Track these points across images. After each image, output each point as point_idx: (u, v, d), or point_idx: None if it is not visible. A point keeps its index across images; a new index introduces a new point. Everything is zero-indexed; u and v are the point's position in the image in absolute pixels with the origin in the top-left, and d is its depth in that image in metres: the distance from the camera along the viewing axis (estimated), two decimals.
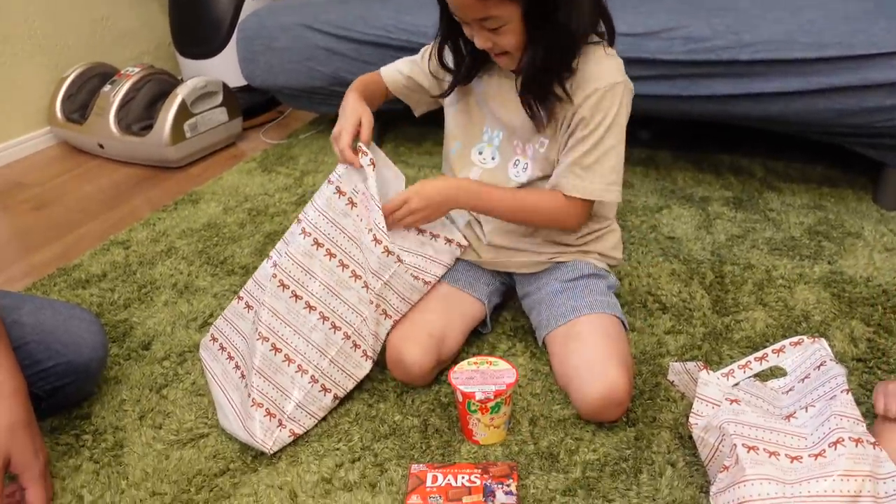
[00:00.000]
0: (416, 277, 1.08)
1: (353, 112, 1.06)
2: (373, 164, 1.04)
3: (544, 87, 0.98)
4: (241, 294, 1.10)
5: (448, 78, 1.11)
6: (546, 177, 1.06)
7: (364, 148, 1.04)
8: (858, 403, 0.99)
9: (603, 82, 0.97)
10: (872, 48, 1.32)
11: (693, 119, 1.59)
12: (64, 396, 1.06)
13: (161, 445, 1.02)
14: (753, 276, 1.32)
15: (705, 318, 1.22)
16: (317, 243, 1.05)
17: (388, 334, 1.09)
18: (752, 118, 1.49)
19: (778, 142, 1.78)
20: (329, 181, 1.07)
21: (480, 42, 0.97)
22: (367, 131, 1.05)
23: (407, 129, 2.03)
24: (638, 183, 1.69)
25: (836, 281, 1.29)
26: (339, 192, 1.06)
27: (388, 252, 1.03)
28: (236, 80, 2.14)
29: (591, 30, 0.98)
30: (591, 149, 0.99)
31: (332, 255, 1.05)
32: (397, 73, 1.17)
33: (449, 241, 1.13)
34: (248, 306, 1.08)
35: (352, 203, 1.06)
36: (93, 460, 1.01)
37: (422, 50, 1.16)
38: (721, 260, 1.37)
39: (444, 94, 1.12)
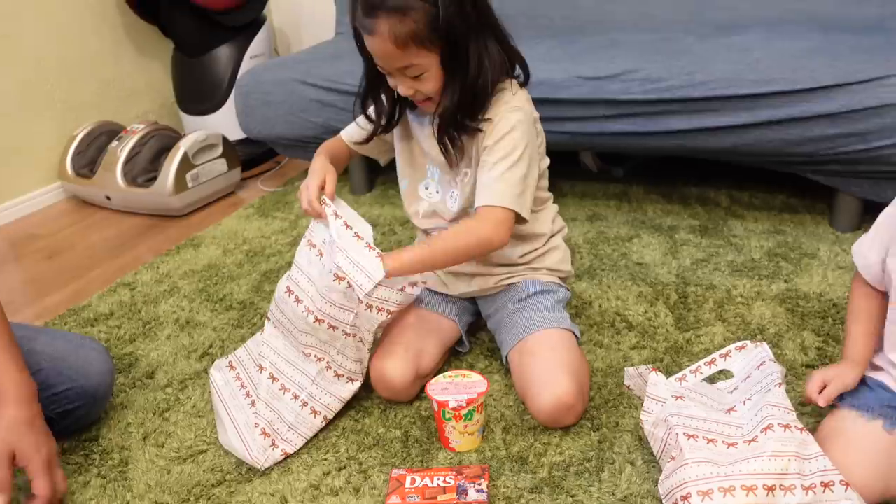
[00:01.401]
0: (380, 310, 1.12)
1: (320, 170, 1.17)
2: (336, 214, 1.12)
3: (457, 129, 1.09)
4: (264, 328, 1.20)
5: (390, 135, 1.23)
6: (471, 202, 1.15)
7: (327, 200, 1.13)
8: (804, 404, 1.09)
9: (500, 116, 1.08)
10: (813, 83, 1.44)
11: (653, 154, 1.71)
12: (74, 419, 1.15)
13: (163, 461, 1.11)
14: (714, 295, 1.42)
15: (668, 333, 1.31)
16: (288, 290, 1.14)
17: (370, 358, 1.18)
18: (708, 150, 1.60)
19: (742, 174, 1.89)
20: (304, 235, 1.18)
21: (403, 90, 1.06)
22: (330, 186, 1.15)
23: (393, 174, 2.15)
24: (611, 215, 1.80)
25: (791, 297, 1.39)
26: (311, 244, 1.16)
27: (351, 287, 1.08)
28: (236, 133, 2.28)
29: (502, 75, 1.09)
30: (494, 165, 1.07)
31: (298, 301, 1.12)
32: (355, 131, 1.28)
33: (413, 284, 1.14)
34: (264, 341, 1.18)
35: (320, 253, 1.15)
36: (100, 476, 1.09)
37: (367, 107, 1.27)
38: (685, 282, 1.47)
39: (366, 141, 1.23)
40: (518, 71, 1.13)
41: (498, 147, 1.08)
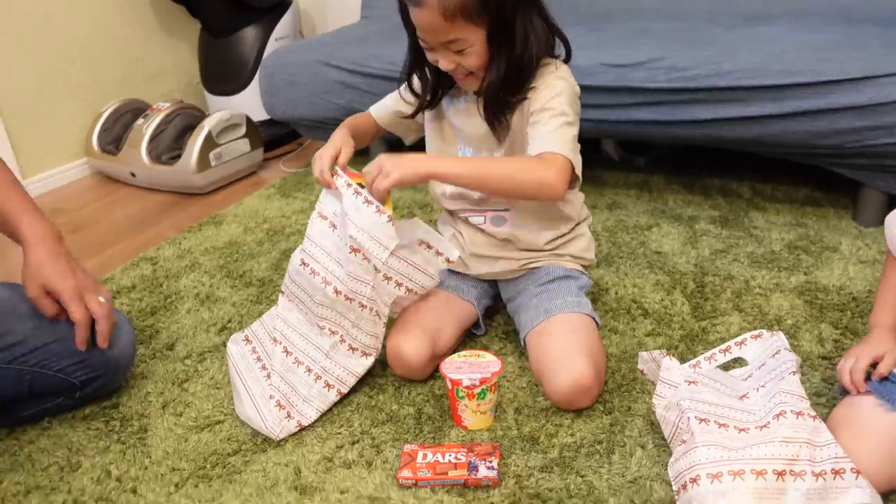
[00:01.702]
0: (399, 285, 1.15)
1: (337, 141, 1.17)
2: (348, 185, 1.12)
3: (503, 104, 1.10)
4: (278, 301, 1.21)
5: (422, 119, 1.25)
6: None
7: (339, 171, 1.14)
8: (819, 394, 1.08)
9: (546, 83, 1.09)
10: (840, 74, 1.43)
11: (677, 143, 1.70)
12: (98, 386, 1.18)
13: (181, 430, 1.14)
14: (732, 285, 1.41)
15: (684, 322, 1.31)
16: (303, 263, 1.15)
17: (386, 333, 1.19)
18: (732, 141, 1.59)
19: (766, 166, 1.87)
20: (315, 208, 1.18)
21: (445, 64, 1.07)
22: (344, 157, 1.15)
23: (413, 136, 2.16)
24: (631, 204, 1.80)
25: (810, 290, 1.38)
26: (321, 216, 1.17)
27: (367, 259, 1.10)
28: (259, 114, 2.30)
29: (546, 53, 1.10)
30: (549, 121, 1.06)
31: (315, 273, 1.14)
32: (384, 108, 1.29)
33: (439, 253, 1.18)
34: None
35: (333, 225, 1.15)
36: (120, 442, 1.12)
37: (403, 83, 1.28)
38: (703, 272, 1.47)
39: (413, 115, 1.23)
40: (560, 50, 1.13)
41: (549, 107, 1.07)
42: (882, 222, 1.58)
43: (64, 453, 1.10)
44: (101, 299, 1.12)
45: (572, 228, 1.25)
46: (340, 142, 1.17)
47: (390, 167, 1.03)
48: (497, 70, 1.06)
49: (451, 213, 1.27)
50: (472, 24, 1.02)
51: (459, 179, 1.06)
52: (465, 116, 1.18)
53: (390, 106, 1.29)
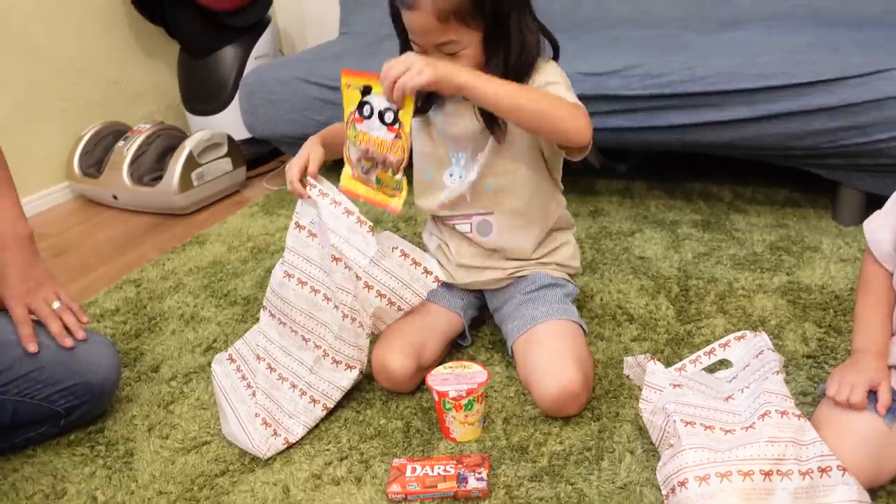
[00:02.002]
0: (381, 296, 1.14)
1: (304, 150, 1.18)
2: (322, 194, 1.14)
3: None
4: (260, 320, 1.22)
5: None
6: (491, 171, 1.16)
7: (311, 181, 1.15)
8: (805, 393, 1.09)
9: (542, 72, 1.10)
10: (813, 76, 1.45)
11: (654, 149, 1.71)
12: (81, 414, 1.16)
13: (167, 452, 1.12)
14: (716, 288, 1.42)
15: (669, 325, 1.32)
16: (287, 274, 1.17)
17: (371, 346, 1.19)
18: (709, 145, 1.61)
19: (746, 170, 1.89)
20: (292, 219, 1.19)
21: None
22: (313, 166, 1.15)
23: None
24: (613, 211, 1.81)
25: (792, 290, 1.39)
26: (298, 226, 1.18)
27: (348, 268, 1.11)
28: (241, 133, 2.29)
29: (539, 53, 1.11)
30: (556, 89, 1.07)
31: (302, 283, 1.16)
32: None
33: (427, 272, 1.19)
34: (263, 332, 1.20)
35: (311, 234, 1.17)
36: (105, 467, 1.11)
37: None
38: (687, 275, 1.48)
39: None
40: (547, 50, 1.14)
41: (553, 81, 1.08)
42: (861, 220, 1.61)
43: (49, 481, 1.09)
44: (56, 304, 1.13)
45: (557, 236, 1.25)
46: (308, 151, 1.18)
47: (423, 65, 0.97)
48: (494, 72, 1.05)
49: (439, 221, 1.27)
50: (466, 27, 1.03)
51: (493, 99, 0.99)
52: (455, 118, 1.17)
53: None
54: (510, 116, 1.04)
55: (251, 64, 2.42)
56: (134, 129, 2.20)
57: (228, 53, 2.42)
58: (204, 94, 2.47)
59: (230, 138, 2.20)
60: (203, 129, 2.21)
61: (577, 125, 1.02)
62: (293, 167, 1.16)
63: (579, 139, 1.04)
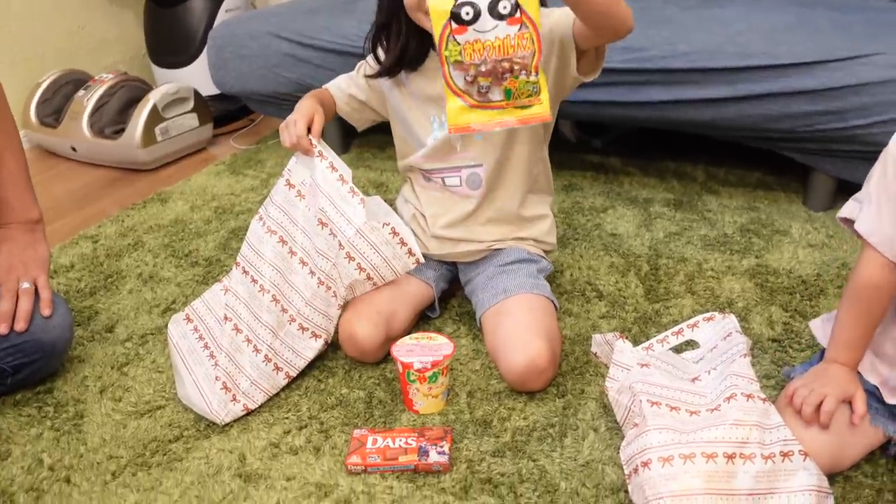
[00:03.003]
0: (360, 269, 1.12)
1: (308, 109, 1.15)
2: (320, 155, 1.12)
3: None
4: (223, 280, 1.18)
5: (378, 97, 1.23)
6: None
7: (314, 141, 1.12)
8: (769, 377, 1.09)
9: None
10: (793, 58, 1.43)
11: (632, 124, 1.69)
12: (31, 372, 1.12)
13: (119, 416, 1.09)
14: (685, 268, 1.41)
15: (637, 304, 1.31)
16: (270, 230, 1.14)
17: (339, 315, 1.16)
18: (687, 123, 1.59)
19: (720, 151, 1.88)
20: (282, 175, 1.16)
21: None
22: (317, 126, 1.14)
23: (370, 136, 2.11)
24: (587, 186, 1.79)
25: (760, 273, 1.39)
26: (289, 184, 1.15)
27: (333, 235, 1.10)
28: (209, 89, 2.21)
29: None
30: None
31: (283, 242, 1.14)
32: (339, 90, 1.26)
33: (411, 254, 1.16)
34: (226, 290, 1.15)
35: (300, 195, 1.14)
36: (53, 429, 1.07)
37: (357, 66, 1.26)
38: (657, 254, 1.47)
39: (380, 75, 1.18)
40: None
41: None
42: (831, 206, 1.61)
43: None
44: (26, 284, 1.10)
45: (537, 204, 1.23)
46: (312, 110, 1.15)
47: None
48: None
49: (421, 179, 1.23)
50: None
51: None
52: (435, 77, 1.12)
53: (344, 89, 1.27)
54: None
55: (221, 16, 2.33)
56: (96, 79, 2.11)
57: (198, 4, 2.32)
58: (171, 45, 2.37)
59: (197, 93, 2.12)
60: (169, 83, 2.13)
61: (628, 10, 0.96)
62: (299, 123, 1.12)
63: (629, 25, 0.99)
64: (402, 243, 1.15)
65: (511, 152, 1.18)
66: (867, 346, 0.90)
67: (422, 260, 1.17)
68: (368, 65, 1.23)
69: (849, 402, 0.88)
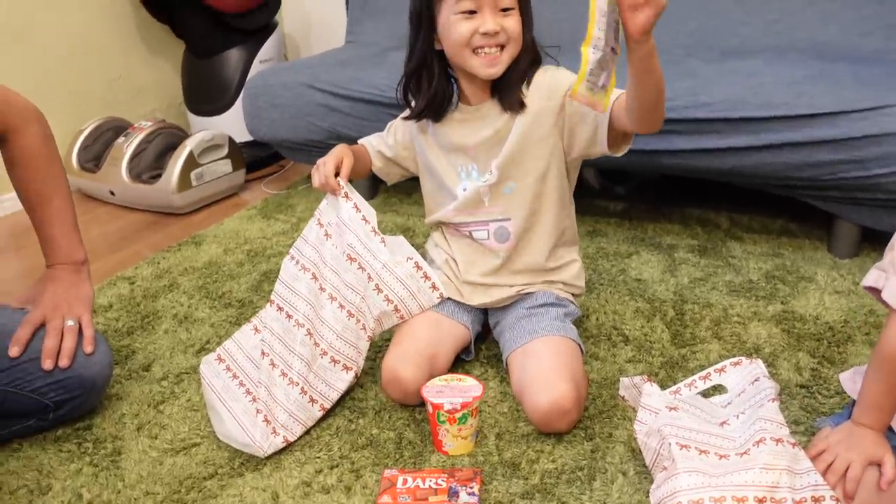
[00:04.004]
0: (388, 301, 1.18)
1: (339, 152, 1.23)
2: (347, 196, 1.19)
3: (521, 78, 1.15)
4: (252, 320, 1.22)
5: (407, 153, 1.31)
6: (509, 172, 1.19)
7: (341, 182, 1.19)
8: (798, 423, 1.09)
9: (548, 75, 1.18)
10: (814, 109, 1.46)
11: (657, 172, 1.72)
12: (71, 408, 1.15)
13: (156, 453, 1.11)
14: (711, 313, 1.43)
15: (664, 349, 1.32)
16: (303, 268, 1.20)
17: (380, 361, 1.20)
18: (711, 171, 1.62)
19: (743, 198, 1.91)
20: (314, 216, 1.23)
21: (492, 25, 1.09)
22: (346, 169, 1.21)
23: (398, 182, 2.17)
24: (611, 232, 1.82)
25: (787, 318, 1.40)
26: (319, 223, 1.22)
27: (362, 268, 1.17)
28: (242, 135, 2.29)
29: None
30: None
31: (315, 279, 1.18)
32: (371, 146, 1.34)
33: (434, 288, 1.23)
34: (256, 329, 1.19)
35: (327, 234, 1.21)
36: (92, 465, 1.09)
37: (387, 126, 1.34)
38: (683, 299, 1.48)
39: (411, 117, 1.25)
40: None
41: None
42: (856, 254, 1.62)
43: (34, 476, 1.08)
44: (70, 322, 1.14)
45: (564, 253, 1.27)
46: (342, 154, 1.22)
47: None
48: (524, 41, 1.13)
49: (450, 230, 1.28)
50: None
51: (657, 61, 1.00)
52: (466, 128, 1.21)
53: (375, 146, 1.34)
54: (652, 83, 1.02)
55: (256, 67, 2.43)
56: (135, 126, 2.19)
57: (233, 55, 2.42)
58: (207, 94, 2.46)
59: (231, 140, 2.20)
60: (204, 130, 2.21)
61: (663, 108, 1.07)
62: (329, 163, 1.20)
63: (663, 118, 1.08)
64: (426, 277, 1.21)
65: (540, 207, 1.22)
66: (895, 409, 0.89)
67: (445, 295, 1.23)
68: (380, 142, 1.32)
69: (878, 465, 0.87)
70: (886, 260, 0.88)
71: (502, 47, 1.12)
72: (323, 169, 1.20)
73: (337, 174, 1.20)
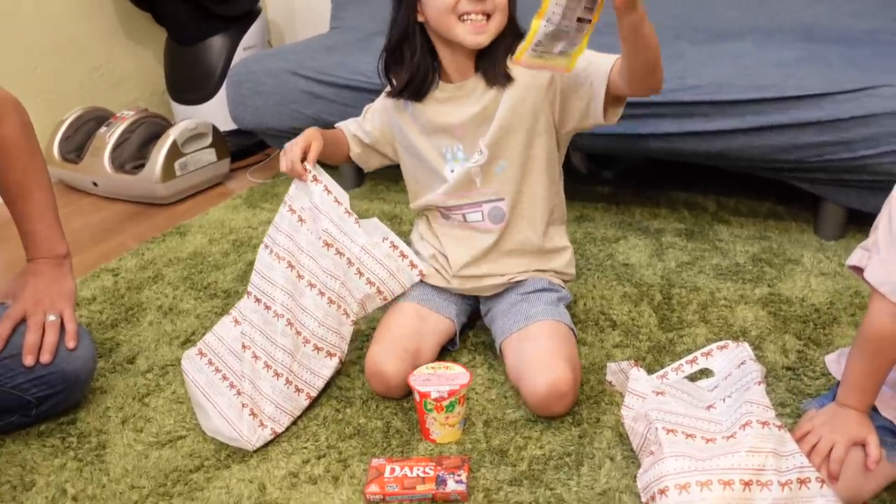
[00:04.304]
0: (370, 283, 1.17)
1: (308, 135, 1.18)
2: (316, 180, 1.16)
3: (508, 52, 1.12)
4: (232, 312, 1.20)
5: (384, 140, 1.28)
6: (500, 150, 1.17)
7: (309, 167, 1.16)
8: (784, 405, 1.10)
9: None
10: (801, 90, 1.46)
11: (644, 155, 1.71)
12: (55, 404, 1.14)
13: (141, 446, 1.10)
14: (698, 297, 1.42)
15: (651, 333, 1.32)
16: (278, 257, 1.17)
17: (367, 349, 1.19)
18: (698, 154, 1.61)
19: (730, 181, 1.90)
20: (283, 202, 1.20)
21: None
22: (313, 153, 1.17)
23: (384, 169, 2.15)
24: (598, 217, 1.81)
25: (773, 301, 1.40)
26: (291, 209, 1.19)
27: (339, 253, 1.15)
28: (226, 124, 2.26)
29: None
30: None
31: (291, 267, 1.17)
32: (347, 132, 1.31)
33: (413, 265, 1.22)
34: (236, 321, 1.18)
35: (301, 220, 1.18)
36: (76, 459, 1.08)
37: (364, 110, 1.31)
38: (670, 284, 1.48)
39: (393, 94, 1.21)
40: None
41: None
42: (842, 235, 1.63)
43: (17, 471, 1.06)
44: (52, 317, 1.12)
45: (554, 236, 1.26)
46: (310, 137, 1.18)
47: None
48: (510, 12, 1.10)
49: (440, 217, 1.26)
50: None
51: (650, 28, 0.96)
52: (450, 106, 1.17)
53: (353, 131, 1.31)
54: (645, 50, 0.99)
55: (239, 54, 2.40)
56: (117, 116, 2.17)
57: (217, 43, 2.39)
58: (190, 82, 2.43)
59: (215, 129, 2.17)
60: (188, 119, 2.18)
61: (661, 75, 1.05)
62: (295, 147, 1.16)
63: (662, 79, 1.06)
64: (403, 256, 1.20)
65: (532, 183, 1.20)
66: (879, 389, 0.89)
67: (426, 272, 1.22)
68: (359, 127, 1.29)
69: (862, 445, 0.87)
70: (871, 240, 0.88)
71: (488, 16, 1.08)
72: (290, 153, 1.16)
73: (304, 158, 1.17)
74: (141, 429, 1.14)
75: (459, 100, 1.17)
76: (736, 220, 1.76)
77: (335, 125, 1.33)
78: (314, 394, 1.15)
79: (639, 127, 1.59)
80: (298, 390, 1.13)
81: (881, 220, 0.86)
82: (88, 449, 1.10)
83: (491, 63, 1.14)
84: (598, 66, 1.08)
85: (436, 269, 1.25)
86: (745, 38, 1.77)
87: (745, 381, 0.96)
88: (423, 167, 1.25)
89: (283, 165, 1.17)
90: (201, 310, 1.48)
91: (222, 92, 2.34)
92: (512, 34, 1.12)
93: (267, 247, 1.18)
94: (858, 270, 0.89)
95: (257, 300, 1.16)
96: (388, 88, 1.23)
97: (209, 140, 2.14)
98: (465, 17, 1.08)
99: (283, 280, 1.15)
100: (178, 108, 2.47)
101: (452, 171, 1.21)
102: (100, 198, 2.15)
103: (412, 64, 1.16)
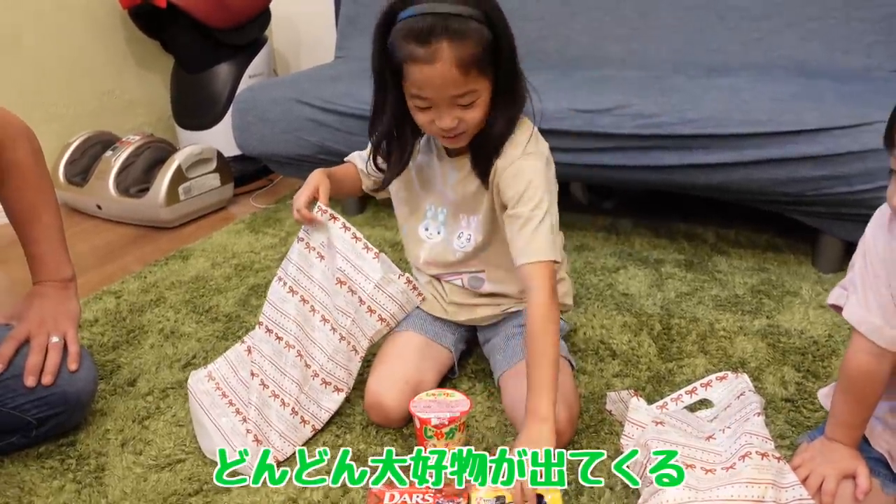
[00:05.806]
0: (381, 320, 1.17)
1: (313, 180, 1.16)
2: (333, 218, 1.16)
3: (493, 156, 1.07)
4: (245, 340, 1.20)
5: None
6: (486, 242, 1.16)
7: (323, 207, 1.16)
8: (783, 437, 1.10)
9: (516, 166, 1.06)
10: (798, 125, 1.48)
11: (644, 187, 1.73)
12: (55, 425, 1.14)
13: (140, 469, 1.10)
14: (698, 328, 1.43)
15: (651, 363, 1.32)
16: (291, 290, 1.18)
17: (366, 376, 1.20)
18: (696, 186, 1.64)
19: (729, 213, 1.92)
20: (299, 238, 1.20)
21: (447, 122, 1.01)
22: (324, 196, 1.15)
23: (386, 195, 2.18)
24: (598, 246, 1.83)
25: (772, 333, 1.40)
26: (309, 247, 1.19)
27: (352, 291, 1.15)
28: (231, 150, 2.29)
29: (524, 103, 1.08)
30: (526, 222, 1.04)
31: (304, 301, 1.17)
32: (359, 167, 1.26)
33: (415, 288, 1.22)
34: (249, 351, 1.18)
35: (320, 256, 1.19)
36: (75, 481, 1.08)
37: (369, 146, 1.24)
38: (669, 314, 1.49)
39: (383, 187, 1.22)
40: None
41: (523, 201, 1.04)
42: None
43: (15, 493, 1.06)
44: (55, 338, 1.13)
45: (559, 277, 1.25)
46: (316, 182, 1.16)
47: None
48: (499, 122, 1.04)
49: (434, 277, 1.27)
50: (483, 76, 0.99)
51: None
52: (443, 179, 1.17)
53: (360, 166, 1.27)
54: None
55: (245, 82, 2.43)
56: (123, 140, 2.19)
57: (223, 70, 2.43)
58: (196, 108, 2.47)
59: (220, 154, 2.20)
60: (193, 144, 2.21)
61: (555, 308, 1.02)
62: (301, 196, 1.14)
63: (559, 311, 1.07)
64: (414, 288, 1.21)
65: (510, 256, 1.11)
66: (866, 424, 0.90)
67: (426, 297, 1.22)
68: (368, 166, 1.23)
69: (852, 477, 0.87)
70: (848, 278, 0.89)
71: (463, 132, 1.04)
72: (296, 203, 1.14)
73: (316, 199, 1.16)
74: (140, 451, 1.14)
75: (460, 172, 1.14)
76: (735, 251, 1.77)
77: (346, 158, 1.30)
78: (318, 426, 1.16)
79: (638, 159, 1.62)
80: (304, 421, 1.13)
81: (857, 259, 0.87)
82: (87, 471, 1.10)
83: (479, 155, 1.09)
84: (521, 252, 1.04)
85: (432, 297, 1.26)
86: (740, 73, 1.80)
87: (745, 413, 0.96)
88: (408, 203, 1.24)
89: (294, 216, 1.15)
90: (202, 333, 1.48)
91: (227, 118, 2.37)
92: (501, 127, 1.06)
93: (280, 279, 1.19)
94: (838, 308, 0.89)
95: (269, 330, 1.17)
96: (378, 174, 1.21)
97: (213, 165, 2.17)
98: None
99: (295, 312, 1.16)
100: (184, 134, 2.50)
101: (427, 228, 1.21)
102: (104, 221, 2.17)
103: (402, 159, 1.13)
